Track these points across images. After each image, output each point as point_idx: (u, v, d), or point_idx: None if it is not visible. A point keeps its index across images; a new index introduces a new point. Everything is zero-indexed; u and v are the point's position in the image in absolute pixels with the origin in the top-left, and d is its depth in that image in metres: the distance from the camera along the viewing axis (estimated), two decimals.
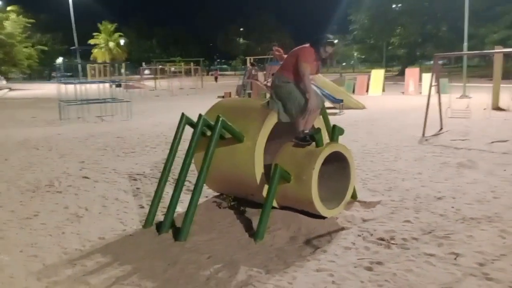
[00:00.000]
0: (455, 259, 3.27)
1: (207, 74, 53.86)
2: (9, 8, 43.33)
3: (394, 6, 49.33)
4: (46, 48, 51.97)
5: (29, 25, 43.12)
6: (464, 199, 4.69)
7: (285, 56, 4.53)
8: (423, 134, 8.86)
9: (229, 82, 37.35)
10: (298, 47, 4.33)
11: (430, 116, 9.14)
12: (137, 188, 5.50)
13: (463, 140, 8.25)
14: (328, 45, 4.26)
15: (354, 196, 4.69)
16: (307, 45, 4.29)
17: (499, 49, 14.41)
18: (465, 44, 19.16)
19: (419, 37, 49.96)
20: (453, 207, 4.44)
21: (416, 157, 6.89)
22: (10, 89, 35.90)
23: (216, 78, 43.87)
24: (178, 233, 3.79)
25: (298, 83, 4.24)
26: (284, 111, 4.27)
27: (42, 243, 3.78)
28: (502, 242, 3.56)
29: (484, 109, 11.20)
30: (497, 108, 12.83)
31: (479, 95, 15.43)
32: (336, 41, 4.33)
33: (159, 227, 3.98)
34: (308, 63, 4.15)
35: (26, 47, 42.65)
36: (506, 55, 16.38)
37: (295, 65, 4.21)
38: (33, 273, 3.23)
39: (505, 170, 5.90)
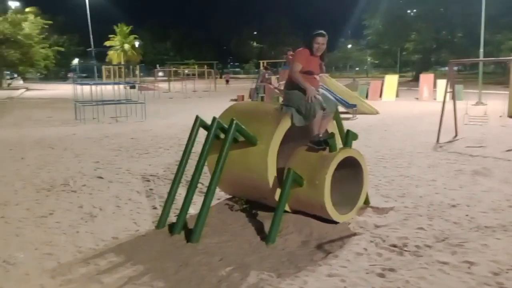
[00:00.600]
0: (469, 267, 3.23)
1: (220, 77, 53.96)
2: (27, 9, 44.07)
3: (409, 11, 49.02)
4: (62, 49, 52.67)
5: (47, 26, 43.76)
6: (478, 207, 4.64)
7: None
8: (438, 141, 8.78)
9: (242, 85, 37.46)
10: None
11: (444, 122, 9.06)
12: (150, 189, 5.55)
13: (478, 147, 8.15)
14: (317, 37, 4.29)
15: (366, 202, 4.66)
16: (299, 49, 4.37)
17: None
18: (481, 51, 18.97)
19: (433, 43, 49.52)
20: (467, 215, 4.39)
21: (430, 164, 6.83)
22: (27, 89, 36.48)
23: (227, 81, 43.57)
24: (190, 235, 3.81)
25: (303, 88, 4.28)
26: (298, 114, 4.28)
27: (57, 241, 3.84)
28: None
29: (500, 116, 11.06)
30: None
31: (494, 102, 15.22)
32: (323, 31, 4.33)
33: (172, 228, 4.01)
34: (299, 62, 4.24)
35: (43, 48, 43.29)
36: None
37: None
38: (48, 271, 3.28)
39: None
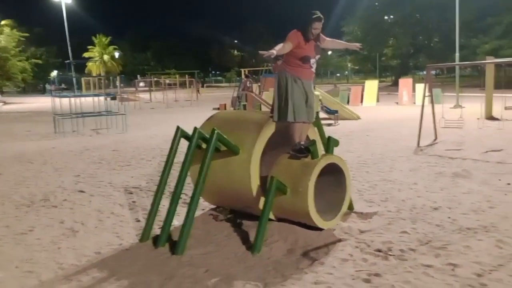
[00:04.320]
0: (452, 270, 3.27)
1: (202, 86, 53.65)
2: (3, 22, 43.39)
3: (386, 17, 49.93)
4: (40, 62, 52.01)
5: (23, 38, 43.18)
6: (460, 209, 4.71)
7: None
8: (418, 144, 8.91)
9: (222, 94, 37.51)
10: None
11: (424, 126, 9.20)
12: (133, 202, 5.48)
13: (457, 150, 8.31)
14: (315, 21, 4.10)
15: (350, 207, 4.69)
16: (293, 30, 4.18)
17: (491, 59, 14.59)
18: (457, 55, 19.40)
19: (411, 48, 50.57)
20: (449, 218, 4.45)
21: (411, 168, 6.92)
22: (5, 103, 35.75)
23: (197, 91, 41.91)
24: (174, 247, 3.77)
25: (300, 77, 4.20)
26: (279, 109, 4.24)
27: (38, 258, 3.75)
28: (499, 252, 3.57)
29: (478, 118, 11.29)
30: (490, 117, 12.95)
31: (472, 105, 15.56)
32: (320, 14, 4.13)
33: (156, 240, 3.96)
34: (291, 42, 4.07)
35: (20, 60, 42.64)
36: (498, 65, 16.54)
37: (288, 53, 4.16)
38: None
39: (499, 179, 5.93)
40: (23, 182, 6.73)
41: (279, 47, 4.05)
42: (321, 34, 4.31)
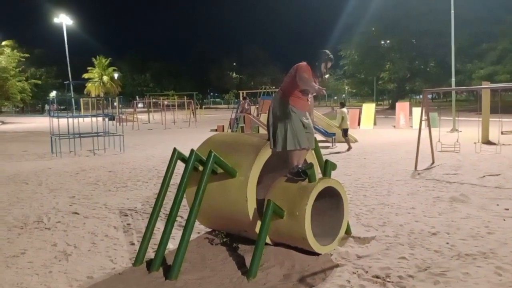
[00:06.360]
0: None
1: (200, 108, 53.83)
2: (4, 42, 43.88)
3: (383, 42, 50.66)
4: (39, 82, 52.39)
5: (23, 59, 43.55)
6: (458, 235, 4.66)
7: None
8: (415, 168, 8.89)
9: (220, 115, 37.69)
10: (294, 66, 4.29)
11: (421, 149, 9.20)
12: (128, 224, 5.40)
13: (455, 174, 8.29)
14: (329, 61, 4.35)
15: (348, 232, 4.63)
16: (304, 63, 4.26)
17: (487, 85, 14.75)
18: (453, 80, 19.63)
19: (408, 72, 51.14)
20: (448, 243, 4.39)
21: (409, 191, 6.88)
22: (2, 123, 35.77)
23: (193, 112, 41.18)
24: (169, 272, 3.69)
25: (296, 106, 4.21)
26: (275, 137, 4.23)
27: (28, 282, 3.66)
28: (499, 279, 3.51)
29: (475, 143, 11.32)
30: (487, 142, 12.98)
31: (469, 129, 15.63)
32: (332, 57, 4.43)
33: (150, 265, 3.88)
34: (307, 74, 4.12)
35: (19, 81, 42.92)
36: (494, 90, 16.71)
37: (293, 84, 4.18)
38: None
39: (497, 204, 5.89)
40: (17, 203, 6.65)
41: (309, 81, 4.05)
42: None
